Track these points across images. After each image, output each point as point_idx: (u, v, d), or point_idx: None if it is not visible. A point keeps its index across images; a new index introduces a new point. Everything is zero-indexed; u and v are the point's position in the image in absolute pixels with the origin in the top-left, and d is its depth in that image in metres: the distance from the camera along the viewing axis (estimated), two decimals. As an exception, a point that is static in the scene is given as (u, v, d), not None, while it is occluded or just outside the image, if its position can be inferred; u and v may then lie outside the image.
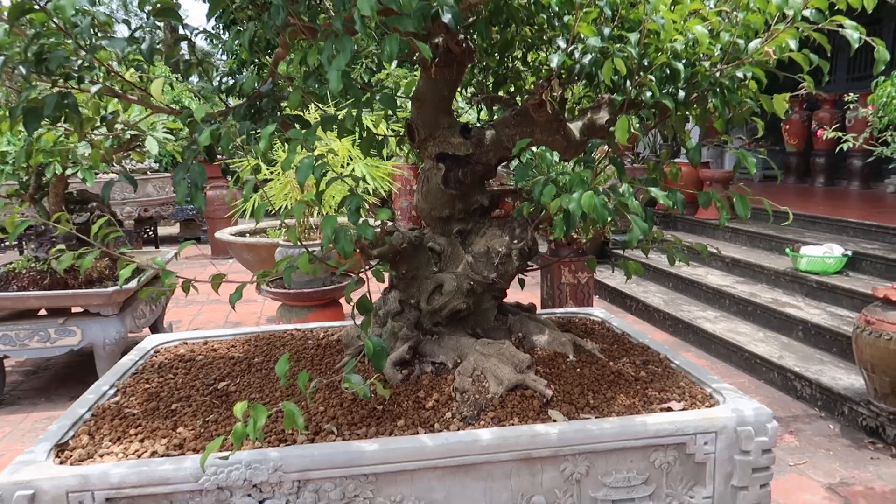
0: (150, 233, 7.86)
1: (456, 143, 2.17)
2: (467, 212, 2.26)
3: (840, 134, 4.41)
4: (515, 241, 2.20)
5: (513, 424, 1.87)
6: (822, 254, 5.21)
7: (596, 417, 1.91)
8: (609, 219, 1.79)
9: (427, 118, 2.17)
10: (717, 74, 2.03)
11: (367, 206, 5.27)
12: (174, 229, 9.39)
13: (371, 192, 5.23)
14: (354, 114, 1.96)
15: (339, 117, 2.03)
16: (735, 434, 1.89)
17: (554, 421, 1.89)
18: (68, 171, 4.28)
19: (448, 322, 2.18)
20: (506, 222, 2.28)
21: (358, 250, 1.90)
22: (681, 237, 6.96)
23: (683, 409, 1.98)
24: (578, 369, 2.16)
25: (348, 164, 5.06)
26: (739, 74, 2.03)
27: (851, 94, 4.50)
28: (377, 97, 1.97)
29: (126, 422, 1.96)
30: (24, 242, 7.27)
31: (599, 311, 2.88)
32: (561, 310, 2.90)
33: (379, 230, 1.93)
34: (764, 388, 4.49)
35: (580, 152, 2.27)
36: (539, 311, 2.76)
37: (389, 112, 2.02)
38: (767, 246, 6.10)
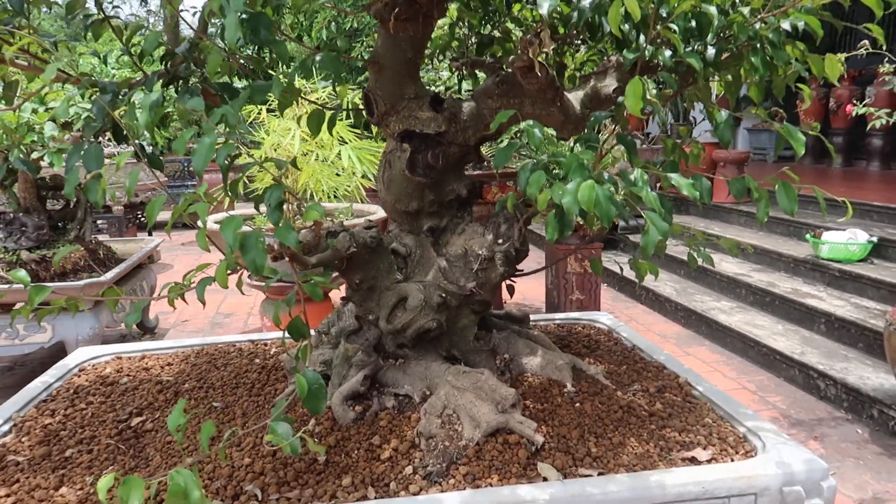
0: (143, 218, 7.39)
1: (424, 118, 1.66)
2: (440, 204, 1.75)
3: (872, 110, 3.85)
4: (500, 242, 1.69)
5: (490, 485, 1.38)
6: (845, 240, 4.66)
7: (599, 474, 1.41)
8: (616, 214, 1.28)
9: (387, 87, 1.66)
10: (759, 25, 1.50)
11: (363, 195, 4.76)
12: (169, 215, 8.87)
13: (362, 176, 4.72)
14: (286, 79, 1.45)
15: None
16: (780, 497, 1.39)
17: (544, 479, 1.39)
18: (34, 155, 3.80)
19: (415, 343, 1.68)
20: (489, 218, 1.77)
21: (288, 259, 1.40)
22: (692, 223, 6.42)
23: (712, 460, 1.48)
24: (578, 403, 1.65)
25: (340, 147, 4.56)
26: (786, 26, 1.50)
27: (887, 65, 3.92)
28: (317, 58, 1.46)
29: (3, 475, 1.49)
30: None
31: (606, 316, 2.37)
32: (561, 315, 2.39)
33: (311, 233, 1.43)
34: (784, 386, 3.99)
35: (580, 129, 1.76)
36: (534, 316, 2.25)
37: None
38: (786, 231, 5.54)
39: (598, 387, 1.74)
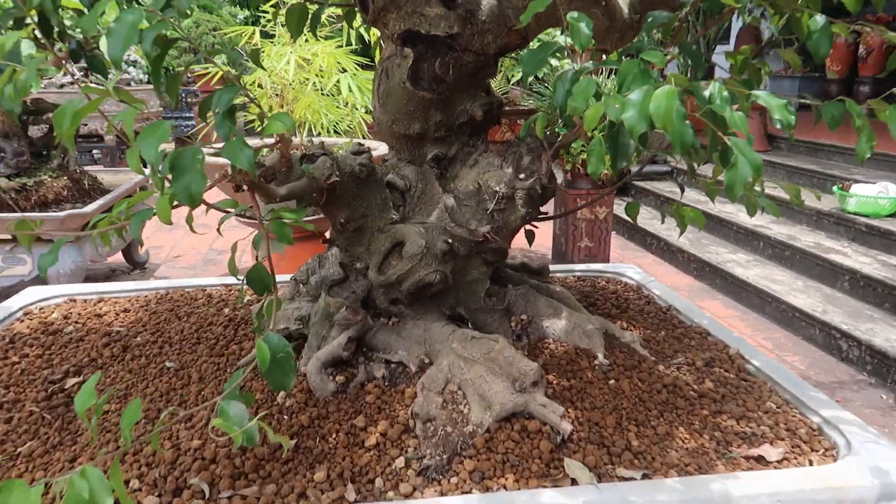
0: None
1: (432, 15, 1.25)
2: (449, 128, 1.36)
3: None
4: (522, 177, 1.31)
5: (504, 486, 1.03)
6: (875, 193, 4.25)
7: (643, 476, 1.07)
8: (692, 145, 0.90)
9: (386, -29, 1.25)
10: None
11: (365, 130, 4.32)
12: (169, 146, 8.38)
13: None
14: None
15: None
16: (877, 514, 1.05)
17: (573, 482, 1.05)
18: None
19: (413, 300, 1.31)
20: (508, 147, 1.38)
21: (247, 188, 1.02)
22: (702, 169, 5.98)
23: (783, 461, 1.13)
24: (613, 380, 1.30)
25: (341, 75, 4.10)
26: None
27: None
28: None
29: None
30: None
31: (633, 269, 2.01)
32: (581, 267, 2.02)
33: (275, 154, 1.04)
34: (803, 345, 3.66)
35: (628, 38, 1.35)
36: (552, 267, 1.88)
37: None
38: (808, 182, 5.13)
39: (635, 358, 1.38)
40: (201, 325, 1.56)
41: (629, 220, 4.84)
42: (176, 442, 1.15)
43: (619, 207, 5.55)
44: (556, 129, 1.33)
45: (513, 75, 5.34)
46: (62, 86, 6.18)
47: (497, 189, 1.29)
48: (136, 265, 4.62)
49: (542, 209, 1.36)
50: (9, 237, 3.72)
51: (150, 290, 1.88)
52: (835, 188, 4.45)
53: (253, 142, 1.07)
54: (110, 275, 4.59)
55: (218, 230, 1.10)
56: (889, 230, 4.06)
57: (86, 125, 6.11)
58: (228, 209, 1.14)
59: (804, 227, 4.59)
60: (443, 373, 1.20)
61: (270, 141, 0.99)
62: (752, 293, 4.08)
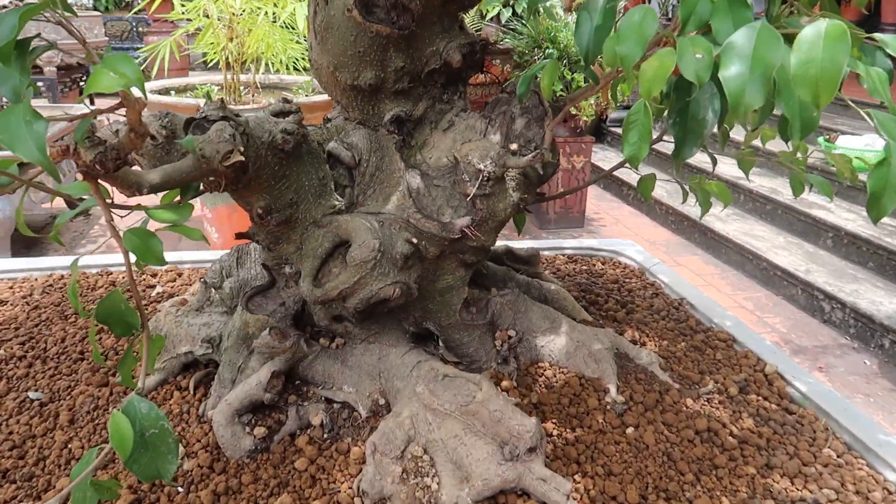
0: (83, 82, 6.24)
1: None
2: (415, 78, 0.94)
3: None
4: (513, 147, 0.90)
5: None
6: (862, 146, 3.93)
7: (684, 590, 0.72)
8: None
9: None
10: None
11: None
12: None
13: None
14: None
15: None
16: None
17: None
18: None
19: (364, 316, 0.92)
20: (494, 106, 0.97)
21: (86, 179, 0.61)
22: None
23: (865, 550, 0.80)
24: (632, 427, 0.94)
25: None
26: None
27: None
28: None
29: None
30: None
31: (633, 247, 1.64)
32: (571, 244, 1.64)
33: (128, 128, 0.62)
34: (783, 305, 3.40)
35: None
36: (537, 244, 1.50)
37: None
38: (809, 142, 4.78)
39: (655, 388, 1.02)
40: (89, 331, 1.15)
41: (605, 168, 4.28)
42: (17, 533, 0.77)
43: (595, 156, 5.16)
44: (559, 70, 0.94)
45: (487, 10, 4.81)
46: (3, 7, 5.45)
47: (481, 167, 0.88)
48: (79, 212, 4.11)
49: (541, 200, 0.96)
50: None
51: (42, 272, 1.45)
52: (820, 139, 4.11)
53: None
54: (49, 222, 4.08)
55: (55, 238, 0.68)
56: (874, 185, 3.77)
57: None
58: (82, 196, 0.72)
59: (787, 180, 4.27)
60: (403, 428, 0.82)
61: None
62: (732, 249, 3.78)
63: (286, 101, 0.84)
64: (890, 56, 0.60)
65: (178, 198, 0.72)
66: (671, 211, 4.28)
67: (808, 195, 4.05)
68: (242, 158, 0.69)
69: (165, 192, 0.73)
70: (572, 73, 3.46)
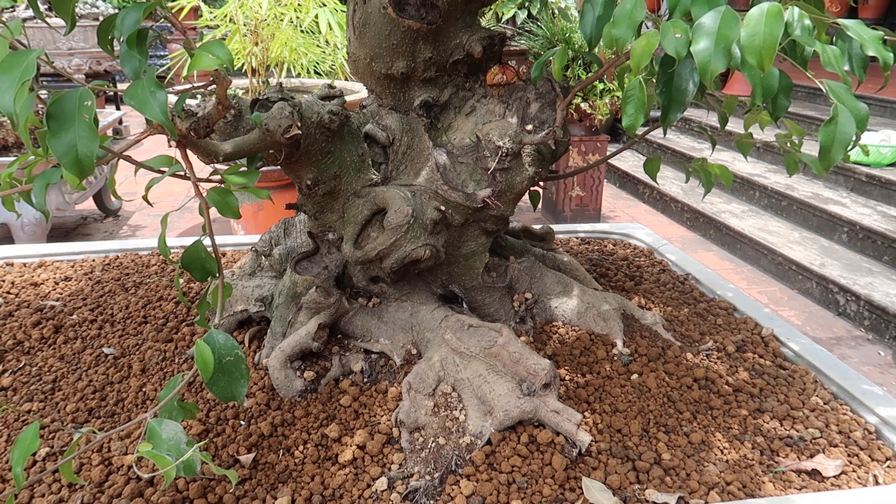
0: (108, 91, 6.44)
1: (421, -80, 0.96)
2: (441, 67, 1.08)
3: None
4: (529, 128, 1.04)
5: (510, 519, 0.81)
6: (877, 142, 4.01)
7: (679, 501, 0.85)
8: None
9: None
10: None
11: (348, 72, 3.96)
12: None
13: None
14: None
15: None
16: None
17: (595, 511, 0.83)
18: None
19: (397, 277, 1.06)
20: (511, 92, 1.11)
21: (177, 146, 0.75)
22: (696, 115, 5.70)
23: (842, 475, 0.92)
24: (637, 374, 1.07)
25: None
26: None
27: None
28: None
29: None
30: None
31: (642, 230, 1.76)
32: (585, 227, 1.77)
33: (216, 101, 0.77)
34: (798, 299, 3.48)
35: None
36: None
37: None
38: (807, 128, 4.86)
39: (658, 345, 1.15)
40: (150, 299, 1.30)
41: (620, 167, 4.43)
42: (106, 456, 0.91)
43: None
44: (574, 70, 1.08)
45: (503, 12, 4.96)
46: (25, 20, 5.70)
47: (500, 144, 1.02)
48: (108, 213, 4.31)
49: (554, 178, 1.09)
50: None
51: (99, 253, 1.61)
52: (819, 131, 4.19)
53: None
54: (81, 223, 4.28)
55: (144, 198, 0.83)
56: (890, 180, 3.83)
57: (52, 63, 5.63)
58: (162, 168, 0.87)
59: (801, 177, 4.36)
60: (434, 370, 0.96)
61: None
62: (747, 245, 3.88)
63: (331, 87, 0.98)
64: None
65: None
66: (686, 208, 4.38)
67: (824, 190, 4.14)
68: (300, 132, 0.84)
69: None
70: (587, 73, 3.59)
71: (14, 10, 5.50)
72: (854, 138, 0.65)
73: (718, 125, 1.23)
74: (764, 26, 0.55)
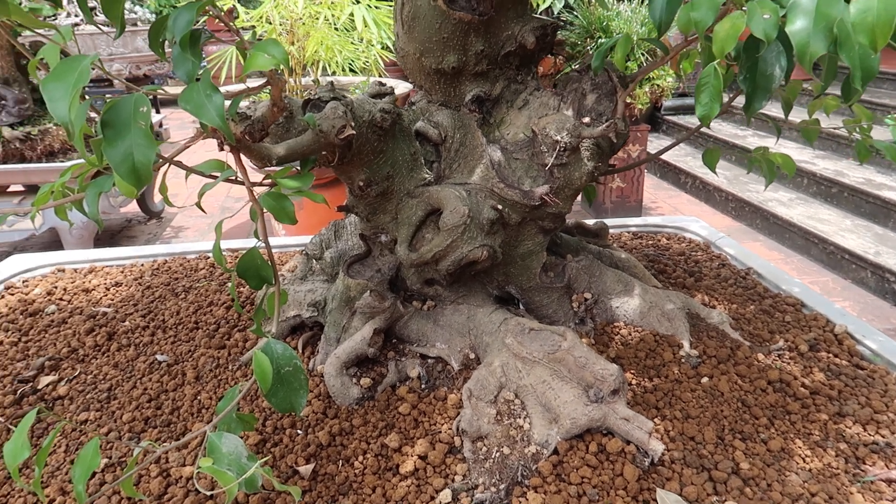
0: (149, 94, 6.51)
1: None
2: (493, 60, 1.04)
3: None
4: (586, 120, 0.99)
5: (583, 533, 0.77)
6: (934, 123, 3.83)
7: (763, 515, 0.79)
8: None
9: None
10: None
11: (382, 68, 3.95)
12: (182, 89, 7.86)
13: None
14: None
15: None
16: None
17: (672, 525, 0.78)
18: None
19: (453, 279, 1.02)
20: (566, 84, 1.06)
21: (229, 150, 0.73)
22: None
23: (938, 485, 0.85)
24: (707, 377, 1.01)
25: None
26: None
27: None
28: None
29: None
30: None
31: (697, 222, 1.69)
32: (636, 221, 1.71)
33: (265, 102, 0.74)
34: (852, 289, 3.35)
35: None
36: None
37: None
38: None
39: (727, 345, 1.08)
40: (200, 304, 1.29)
41: (660, 157, 4.27)
42: (165, 467, 0.90)
43: (650, 145, 5.16)
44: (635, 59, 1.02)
45: (539, 2, 4.87)
46: (75, 24, 5.81)
47: (558, 138, 0.97)
48: (151, 215, 4.36)
49: (615, 171, 1.04)
50: (18, 189, 3.49)
51: (147, 258, 1.61)
52: (888, 119, 4.02)
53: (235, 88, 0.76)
54: (126, 225, 4.35)
55: (198, 205, 0.81)
56: (947, 163, 3.67)
57: (94, 69, 5.74)
58: (213, 174, 0.84)
59: (852, 162, 4.19)
60: (495, 376, 0.92)
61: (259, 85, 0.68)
62: (797, 234, 3.75)
63: (381, 83, 0.95)
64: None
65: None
66: (731, 197, 4.26)
67: (876, 176, 3.98)
68: (354, 132, 0.80)
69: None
70: (626, 61, 3.50)
71: (56, 18, 5.61)
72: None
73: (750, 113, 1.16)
74: (878, 1, 0.49)
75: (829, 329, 1.19)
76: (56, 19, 5.64)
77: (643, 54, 3.46)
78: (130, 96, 0.54)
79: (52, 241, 3.75)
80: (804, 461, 0.89)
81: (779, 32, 0.58)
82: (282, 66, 0.63)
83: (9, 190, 3.43)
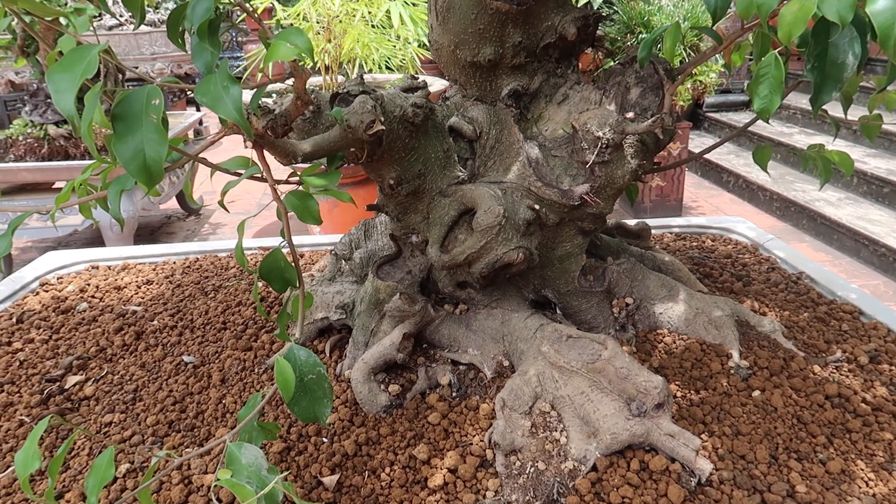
0: (190, 93, 6.62)
1: None
2: (531, 52, 0.98)
3: None
4: (629, 116, 0.93)
5: (624, 559, 0.71)
6: None
7: (822, 545, 0.72)
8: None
9: None
10: None
11: (419, 66, 3.91)
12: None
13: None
14: None
15: None
16: None
17: (722, 552, 0.72)
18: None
19: (486, 282, 0.97)
20: (608, 77, 1.00)
21: (253, 146, 0.69)
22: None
23: None
24: (759, 390, 0.94)
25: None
26: None
27: None
28: None
29: None
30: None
31: (743, 223, 1.61)
32: (679, 221, 1.63)
33: (294, 95, 0.70)
34: (905, 294, 3.18)
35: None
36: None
37: None
38: (909, 109, 4.47)
39: (779, 355, 1.01)
40: (229, 304, 1.26)
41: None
42: (186, 474, 0.87)
43: (691, 143, 5.02)
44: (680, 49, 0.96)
45: (577, -1, 4.77)
46: (111, 27, 5.91)
47: (600, 134, 0.91)
48: (190, 211, 4.41)
49: (659, 170, 0.97)
50: (61, 185, 3.56)
51: (179, 256, 1.59)
52: (946, 116, 3.83)
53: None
54: (165, 222, 4.40)
55: (221, 203, 0.77)
56: None
57: (136, 68, 5.84)
58: (238, 171, 0.81)
59: (904, 160, 4.01)
60: (530, 385, 0.86)
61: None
62: (845, 235, 3.59)
63: (413, 77, 0.90)
64: None
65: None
66: (776, 197, 4.11)
67: (931, 175, 3.79)
68: (383, 127, 0.76)
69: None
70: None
71: (101, 19, 5.71)
72: None
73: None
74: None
75: (890, 339, 1.10)
76: (101, 20, 5.74)
77: (685, 49, 3.35)
78: (143, 88, 0.50)
79: (95, 237, 3.81)
80: (867, 485, 0.81)
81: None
82: (306, 58, 0.58)
83: (54, 186, 3.49)
